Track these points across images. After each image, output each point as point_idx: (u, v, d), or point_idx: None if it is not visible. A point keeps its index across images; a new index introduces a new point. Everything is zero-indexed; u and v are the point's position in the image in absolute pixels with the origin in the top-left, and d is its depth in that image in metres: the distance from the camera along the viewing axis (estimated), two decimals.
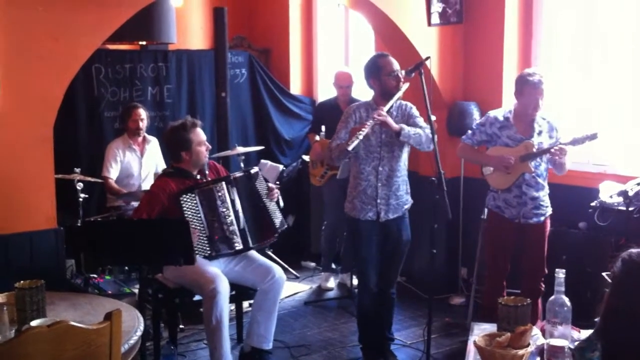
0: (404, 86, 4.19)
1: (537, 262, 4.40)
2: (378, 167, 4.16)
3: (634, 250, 1.76)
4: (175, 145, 4.14)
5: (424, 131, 4.12)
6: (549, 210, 4.40)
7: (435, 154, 3.99)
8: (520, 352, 2.34)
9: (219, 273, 3.97)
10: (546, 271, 4.41)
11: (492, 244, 4.54)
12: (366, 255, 4.22)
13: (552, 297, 2.43)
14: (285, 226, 4.43)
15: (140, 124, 5.56)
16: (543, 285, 4.42)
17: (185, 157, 4.12)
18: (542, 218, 4.37)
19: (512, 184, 4.31)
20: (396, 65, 4.17)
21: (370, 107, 4.20)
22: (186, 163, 4.15)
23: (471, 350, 2.57)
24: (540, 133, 4.33)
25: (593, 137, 4.14)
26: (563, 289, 2.42)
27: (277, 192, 4.39)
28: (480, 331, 2.69)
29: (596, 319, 3.62)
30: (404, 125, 4.08)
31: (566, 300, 2.42)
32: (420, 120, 4.23)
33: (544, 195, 4.37)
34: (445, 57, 5.42)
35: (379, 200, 4.16)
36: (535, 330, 2.59)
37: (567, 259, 4.70)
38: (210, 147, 4.28)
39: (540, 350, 2.48)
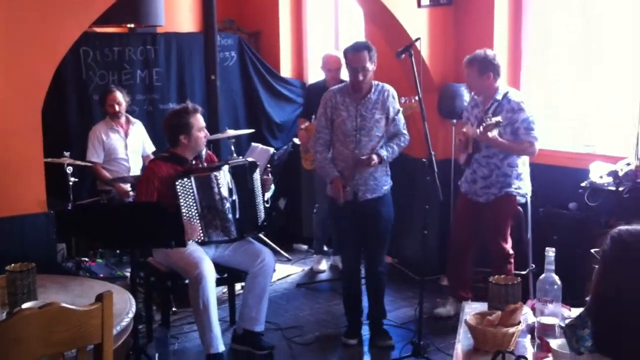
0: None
1: (491, 241, 4.55)
2: (355, 150, 4.16)
3: (623, 227, 1.76)
4: (174, 128, 4.12)
5: (398, 144, 4.28)
6: (508, 190, 4.47)
7: (426, 136, 4.00)
8: (511, 330, 2.36)
9: (204, 257, 3.98)
10: (509, 251, 4.53)
11: (454, 218, 4.81)
12: (344, 235, 4.34)
13: (543, 276, 2.44)
14: (265, 224, 4.46)
15: (117, 107, 5.51)
16: (509, 267, 4.50)
17: (183, 141, 4.10)
18: (493, 197, 4.47)
19: (466, 161, 4.53)
20: (362, 62, 4.11)
21: (347, 92, 4.25)
22: (183, 148, 4.13)
23: (462, 328, 2.58)
24: (497, 113, 4.37)
25: (497, 124, 4.23)
26: (553, 267, 2.43)
27: (271, 185, 4.41)
28: (471, 310, 2.70)
29: (587, 298, 3.65)
30: (382, 154, 4.18)
31: (556, 278, 2.43)
32: (400, 123, 4.29)
33: (500, 176, 4.46)
34: (435, 39, 5.40)
35: (357, 181, 4.17)
36: (526, 309, 2.61)
37: (557, 239, 4.73)
38: (208, 135, 4.27)
39: (530, 328, 2.49)
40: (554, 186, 4.87)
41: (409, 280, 5.53)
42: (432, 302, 4.88)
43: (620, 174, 4.33)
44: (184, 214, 3.93)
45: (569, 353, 2.09)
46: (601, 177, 4.44)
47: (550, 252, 2.44)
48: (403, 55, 4.08)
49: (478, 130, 4.27)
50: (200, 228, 4.04)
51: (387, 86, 4.29)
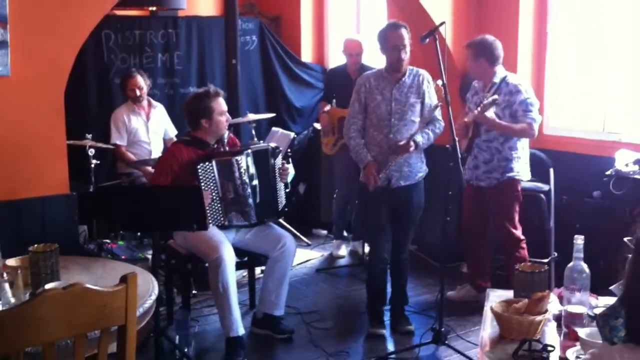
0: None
1: (499, 227, 4.55)
2: (389, 134, 4.13)
3: None
4: (196, 112, 4.08)
5: (434, 131, 4.22)
6: (510, 175, 4.46)
7: (450, 122, 3.95)
8: (538, 318, 2.33)
9: (223, 241, 3.97)
10: (519, 237, 4.52)
11: (463, 207, 4.81)
12: (377, 222, 4.22)
13: (571, 264, 2.40)
14: (286, 209, 4.43)
15: (138, 92, 5.50)
16: (522, 252, 4.50)
17: (204, 124, 4.08)
18: (495, 182, 4.46)
19: (467, 147, 4.51)
20: (403, 39, 4.09)
21: (381, 76, 4.20)
22: (204, 132, 4.11)
23: (488, 316, 2.55)
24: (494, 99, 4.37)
25: (494, 102, 4.27)
26: (582, 255, 2.39)
27: (288, 173, 4.39)
28: (496, 297, 2.67)
29: (610, 287, 3.60)
30: (417, 140, 4.11)
31: (585, 266, 2.39)
32: (437, 113, 4.24)
33: (501, 160, 4.45)
34: (458, 24, 5.34)
35: (391, 168, 4.13)
36: (552, 297, 2.57)
37: (580, 227, 4.66)
38: (230, 119, 4.25)
39: (557, 317, 2.46)
40: (578, 174, 4.81)
41: (429, 267, 5.50)
42: (453, 288, 4.86)
43: None
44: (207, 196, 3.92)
45: (598, 342, 2.06)
46: (627, 165, 4.38)
47: (579, 240, 2.41)
48: (427, 40, 4.01)
49: (476, 111, 4.28)
50: (220, 211, 4.03)
51: (422, 71, 4.26)
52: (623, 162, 4.39)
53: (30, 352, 2.15)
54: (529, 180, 4.87)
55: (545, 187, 4.87)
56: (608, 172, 4.43)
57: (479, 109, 4.27)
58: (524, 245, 4.55)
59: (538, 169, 5.00)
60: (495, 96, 4.29)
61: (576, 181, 4.82)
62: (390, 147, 4.10)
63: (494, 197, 4.53)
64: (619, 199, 4.42)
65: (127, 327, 2.18)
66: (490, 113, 4.29)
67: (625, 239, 3.61)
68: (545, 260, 4.75)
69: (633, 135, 4.70)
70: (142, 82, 5.51)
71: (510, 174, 4.48)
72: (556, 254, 4.83)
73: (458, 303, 4.72)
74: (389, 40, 4.11)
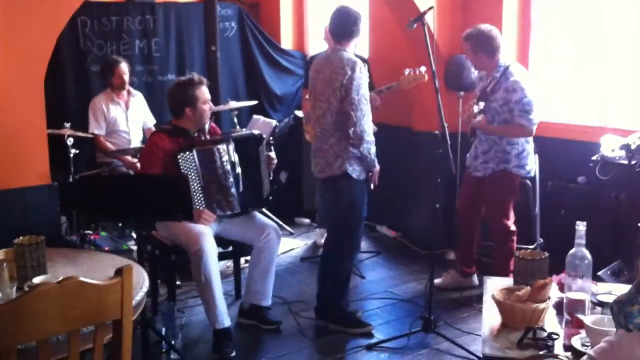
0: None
1: (492, 217, 4.54)
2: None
3: None
4: (180, 100, 3.99)
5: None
6: (506, 167, 4.43)
7: (439, 108, 3.91)
8: (541, 306, 2.31)
9: (204, 232, 3.89)
10: (511, 228, 4.49)
11: (459, 194, 4.85)
12: (362, 216, 4.16)
13: (572, 250, 2.38)
14: (270, 198, 4.37)
15: (125, 78, 5.39)
16: (511, 244, 4.48)
17: (188, 113, 3.99)
18: (490, 172, 4.46)
19: (471, 132, 4.56)
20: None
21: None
22: (187, 120, 4.02)
23: (488, 304, 2.52)
24: (495, 91, 4.35)
25: (479, 112, 4.37)
26: (584, 241, 2.37)
27: (274, 161, 4.32)
28: (495, 285, 2.65)
29: (599, 273, 3.59)
30: None
31: (586, 253, 2.37)
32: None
33: (498, 152, 4.42)
34: (444, 10, 5.28)
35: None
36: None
37: (565, 213, 4.69)
38: (213, 107, 4.17)
39: (558, 304, 2.44)
40: (563, 160, 4.81)
41: (414, 255, 5.49)
42: (439, 276, 4.83)
43: (633, 147, 4.25)
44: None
45: (604, 329, 2.04)
46: (613, 150, 4.37)
47: (581, 226, 2.39)
48: (415, 25, 3.96)
49: (461, 118, 4.29)
50: (202, 201, 3.96)
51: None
52: (609, 147, 4.39)
53: (23, 349, 2.07)
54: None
55: (531, 174, 4.86)
56: (594, 158, 4.43)
57: (464, 116, 4.33)
58: (514, 238, 4.52)
59: None
60: (480, 106, 4.35)
61: (561, 167, 4.82)
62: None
63: (488, 186, 4.50)
64: (604, 184, 4.42)
65: (123, 321, 2.12)
66: (478, 119, 4.36)
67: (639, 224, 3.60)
68: (532, 247, 4.76)
69: (618, 120, 4.70)
70: (127, 69, 5.41)
71: (506, 166, 4.42)
72: (542, 240, 4.85)
73: (444, 290, 4.71)
74: (360, 27, 4.01)
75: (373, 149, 3.95)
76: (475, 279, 4.81)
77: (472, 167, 4.57)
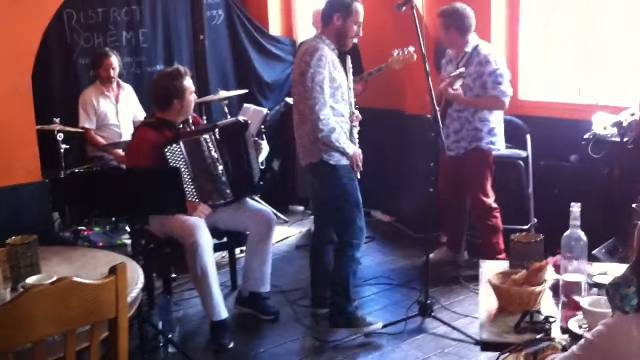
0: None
1: (471, 195, 4.60)
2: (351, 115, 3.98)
3: None
4: (167, 92, 3.95)
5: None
6: (479, 145, 4.48)
7: (430, 92, 3.89)
8: (538, 289, 2.31)
9: (199, 224, 3.87)
10: (492, 205, 4.55)
11: (437, 175, 4.66)
12: (356, 203, 3.90)
13: (568, 232, 2.37)
14: (261, 183, 4.35)
15: (112, 72, 5.34)
16: (494, 220, 4.55)
17: (177, 105, 3.96)
18: (463, 151, 4.50)
19: (441, 116, 4.33)
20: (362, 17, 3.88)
21: (331, 49, 3.83)
22: (174, 113, 3.99)
23: (484, 288, 2.52)
24: (467, 66, 4.41)
25: (461, 75, 4.34)
26: (579, 223, 2.36)
27: (262, 148, 4.31)
28: (491, 269, 2.64)
29: (594, 252, 3.58)
30: None
31: (582, 234, 2.36)
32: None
33: (470, 130, 4.47)
34: None
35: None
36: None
37: (559, 192, 4.69)
38: (196, 98, 4.16)
39: (554, 287, 2.44)
40: (555, 139, 4.80)
41: (408, 238, 5.50)
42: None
43: (625, 124, 4.25)
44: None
45: (601, 311, 2.04)
46: (605, 128, 4.36)
47: (576, 208, 2.38)
48: (404, 8, 3.93)
49: (442, 86, 4.28)
50: (194, 192, 3.94)
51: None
52: (601, 125, 4.37)
53: (19, 351, 2.06)
54: (507, 148, 4.88)
55: (524, 154, 4.87)
56: (586, 136, 4.41)
57: (447, 80, 4.24)
58: (497, 215, 4.58)
59: (515, 136, 4.99)
60: (462, 69, 4.33)
61: (554, 146, 4.81)
62: None
63: (465, 166, 4.56)
64: (597, 162, 4.41)
65: (118, 320, 2.10)
66: (457, 86, 4.31)
67: (633, 206, 3.60)
68: (526, 227, 4.77)
69: (610, 98, 4.69)
70: (117, 63, 5.35)
71: (479, 144, 4.50)
72: (536, 220, 4.85)
73: (437, 266, 4.66)
74: (355, 13, 3.82)
75: (341, 137, 3.76)
76: (465, 255, 4.90)
77: (447, 146, 4.52)
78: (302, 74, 3.77)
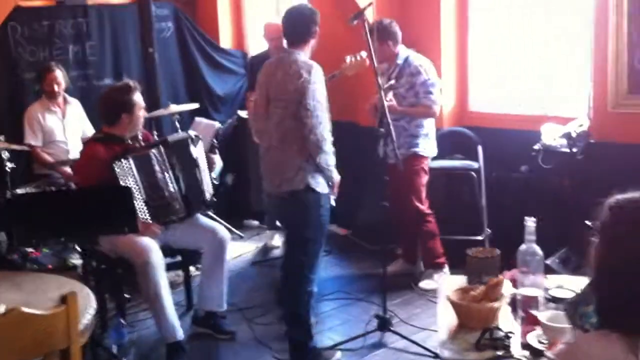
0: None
1: (405, 200, 4.60)
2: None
3: (619, 196, 1.69)
4: (116, 106, 3.88)
5: None
6: (415, 150, 4.64)
7: (383, 104, 3.89)
8: (497, 304, 2.31)
9: (150, 244, 3.78)
10: (425, 211, 4.66)
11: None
12: (326, 230, 3.77)
13: (523, 247, 2.38)
14: (215, 199, 4.29)
15: (57, 87, 5.20)
16: (428, 225, 4.66)
17: (125, 119, 3.88)
18: (401, 157, 4.36)
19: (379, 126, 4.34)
20: None
21: None
22: (123, 127, 3.91)
23: (443, 305, 2.51)
24: (400, 77, 4.59)
25: (391, 87, 4.41)
26: (534, 237, 2.37)
27: (215, 164, 4.26)
28: (449, 284, 2.64)
29: (547, 261, 3.61)
30: None
31: (537, 249, 2.38)
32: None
33: (407, 137, 4.61)
34: (382, 4, 5.27)
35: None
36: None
37: (511, 203, 4.74)
38: (146, 114, 4.09)
39: (512, 301, 2.45)
40: (506, 150, 4.86)
41: (363, 251, 5.48)
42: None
43: (574, 135, 4.35)
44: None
45: (560, 326, 2.05)
46: (554, 139, 4.45)
47: (530, 222, 2.39)
48: (356, 22, 3.93)
49: (375, 98, 4.30)
50: (144, 209, 3.86)
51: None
52: (550, 136, 4.46)
53: None
54: (458, 159, 4.94)
55: (475, 165, 4.93)
56: (536, 147, 4.49)
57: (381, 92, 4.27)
58: (431, 219, 4.69)
59: (467, 147, 5.05)
60: (392, 82, 4.47)
61: (504, 157, 4.87)
62: None
63: (402, 171, 4.52)
64: (547, 173, 4.48)
65: (70, 349, 2.04)
66: (389, 97, 4.37)
67: (587, 222, 3.65)
68: (480, 238, 4.81)
69: (558, 109, 4.78)
70: (61, 77, 5.21)
71: (415, 149, 4.64)
72: (490, 231, 4.90)
73: (394, 278, 4.65)
74: (317, 26, 3.70)
75: (332, 160, 3.59)
76: (421, 265, 4.91)
77: (385, 155, 4.52)
78: (296, 90, 3.49)
